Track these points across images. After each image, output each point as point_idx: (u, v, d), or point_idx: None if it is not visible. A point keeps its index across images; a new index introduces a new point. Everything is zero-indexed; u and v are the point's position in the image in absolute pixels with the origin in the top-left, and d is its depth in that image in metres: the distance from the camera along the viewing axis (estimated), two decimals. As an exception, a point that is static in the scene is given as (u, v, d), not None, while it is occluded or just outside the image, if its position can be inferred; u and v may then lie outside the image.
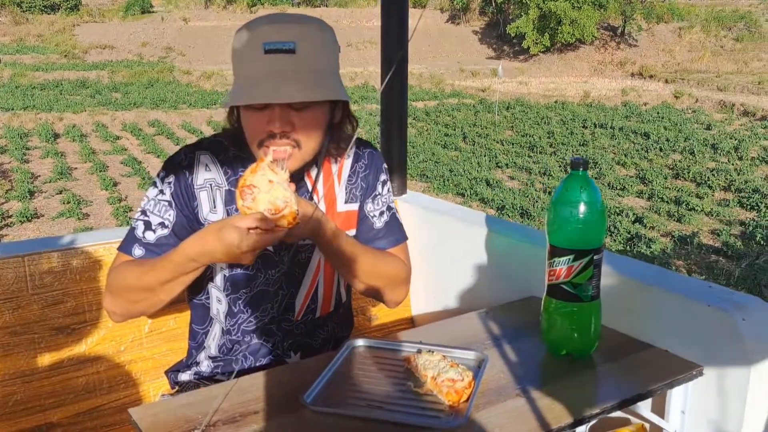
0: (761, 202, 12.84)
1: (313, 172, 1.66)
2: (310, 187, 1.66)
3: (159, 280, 1.51)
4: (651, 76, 29.65)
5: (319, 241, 1.56)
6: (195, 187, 1.60)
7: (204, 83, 28.25)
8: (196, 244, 1.45)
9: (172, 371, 1.80)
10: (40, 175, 15.12)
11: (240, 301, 1.68)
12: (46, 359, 1.80)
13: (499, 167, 15.63)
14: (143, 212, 1.60)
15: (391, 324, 2.29)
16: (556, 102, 23.62)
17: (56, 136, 18.96)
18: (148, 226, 1.59)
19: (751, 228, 11.39)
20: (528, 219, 11.75)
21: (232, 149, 1.64)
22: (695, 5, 38.44)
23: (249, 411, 1.32)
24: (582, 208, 1.43)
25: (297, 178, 1.60)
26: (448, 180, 14.20)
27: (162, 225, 1.59)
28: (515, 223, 2.15)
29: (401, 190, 2.37)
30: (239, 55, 1.49)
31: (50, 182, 14.48)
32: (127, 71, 30.19)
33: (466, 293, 2.12)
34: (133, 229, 1.60)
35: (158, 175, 1.61)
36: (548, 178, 14.66)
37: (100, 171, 15.25)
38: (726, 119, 21.07)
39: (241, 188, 1.37)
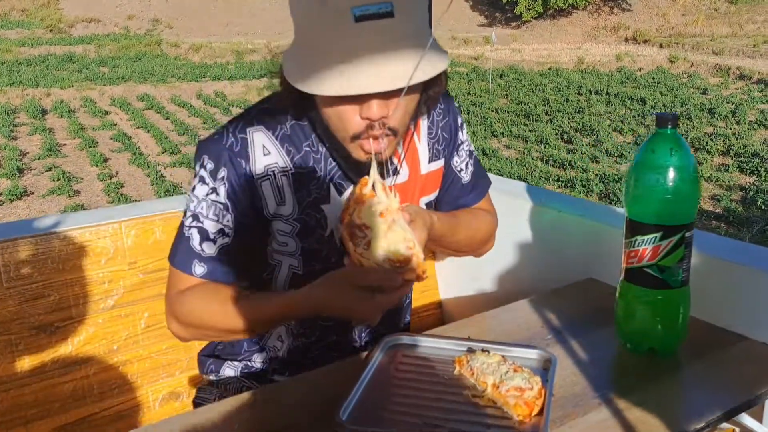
0: (761, 167, 12.67)
1: None
2: (395, 160, 1.38)
3: (245, 329, 1.28)
4: (645, 41, 29.32)
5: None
6: (255, 177, 1.28)
7: (193, 56, 27.77)
8: (301, 304, 1.21)
9: (209, 356, 1.51)
10: (28, 152, 14.82)
11: None
12: (26, 363, 1.54)
13: (494, 136, 15.37)
14: (195, 217, 1.30)
15: (418, 309, 2.03)
16: (550, 69, 23.32)
17: (44, 112, 18.59)
18: (204, 235, 1.30)
19: (751, 193, 11.22)
20: (527, 188, 11.53)
21: (288, 119, 1.31)
22: (689, -32, 37.90)
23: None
24: (672, 174, 1.17)
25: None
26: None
27: (222, 233, 1.30)
28: (562, 194, 1.89)
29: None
30: (316, 21, 1.13)
31: (39, 159, 14.18)
32: (114, 45, 29.64)
33: (503, 276, 1.86)
34: (187, 240, 1.30)
35: (202, 166, 1.29)
36: (545, 146, 14.44)
37: (90, 147, 14.95)
38: (722, 83, 20.84)
39: (349, 226, 1.11)
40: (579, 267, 1.62)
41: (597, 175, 12.47)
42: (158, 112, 18.50)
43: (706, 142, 13.93)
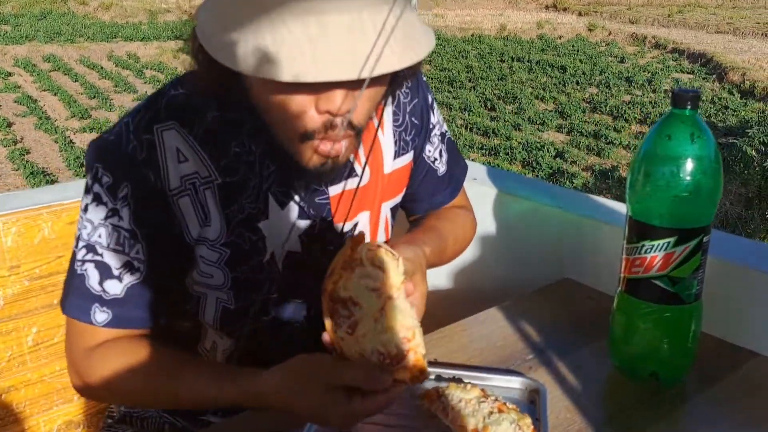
0: (677, 135, 12.97)
1: None
2: (351, 158, 1.06)
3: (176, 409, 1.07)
4: (565, 9, 29.71)
5: None
6: (169, 193, 0.97)
7: (102, 14, 26.49)
8: (257, 397, 0.90)
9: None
10: None
11: (259, 332, 1.09)
12: None
13: (419, 103, 15.28)
14: (90, 248, 0.97)
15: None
16: (472, 35, 23.37)
17: (-63, 73, 17.40)
18: (105, 272, 0.97)
19: (668, 160, 11.52)
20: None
21: (210, 111, 0.98)
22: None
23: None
24: (691, 166, 0.95)
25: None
26: (368, 117, 13.85)
27: (129, 268, 0.97)
28: (530, 178, 1.66)
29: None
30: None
31: (-68, 124, 13.25)
32: (16, 1, 27.98)
33: (467, 276, 1.62)
34: (80, 279, 0.98)
35: (96, 179, 0.96)
36: (469, 114, 14.43)
37: (-9, 111, 14.07)
38: (638, 52, 21.32)
39: (331, 299, 0.81)
40: (553, 266, 1.41)
41: (520, 143, 12.52)
42: (66, 74, 17.57)
43: (625, 110, 14.21)
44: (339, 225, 1.09)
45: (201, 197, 0.97)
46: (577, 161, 11.59)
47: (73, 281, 0.99)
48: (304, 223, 1.05)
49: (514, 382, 1.04)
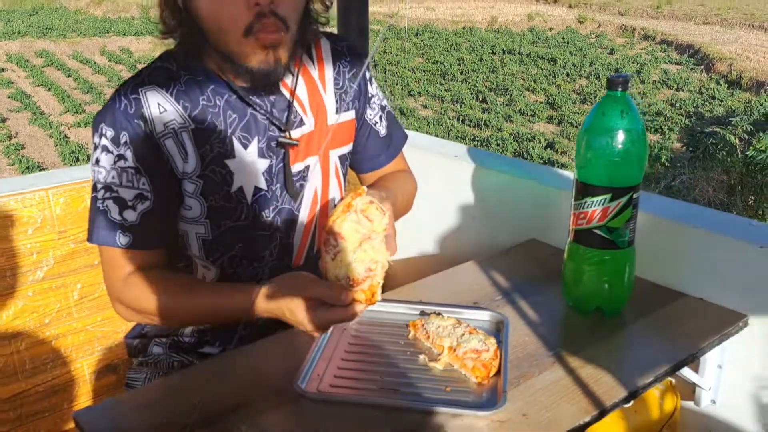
0: (664, 125, 13.16)
1: (289, 80, 1.33)
2: (289, 98, 1.32)
3: (197, 321, 1.33)
4: (555, 1, 29.81)
5: None
6: (156, 135, 1.23)
7: (94, 10, 26.53)
8: (254, 300, 1.18)
9: (136, 337, 1.45)
10: None
11: (235, 259, 1.35)
12: (-50, 340, 1.45)
13: (411, 95, 15.41)
14: (107, 188, 1.23)
15: (357, 273, 2.02)
16: (464, 28, 23.47)
17: (-68, 69, 17.43)
18: (122, 204, 1.23)
19: (656, 150, 11.66)
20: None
21: (183, 75, 1.26)
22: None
23: (228, 407, 1.05)
24: (622, 136, 1.19)
25: (271, 87, 1.29)
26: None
27: (140, 198, 1.24)
28: (504, 156, 1.89)
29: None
30: None
31: (-71, 120, 13.34)
32: (7, -3, 27.94)
33: (447, 239, 1.87)
34: (104, 213, 1.23)
35: (102, 135, 1.23)
36: (461, 106, 14.58)
37: (-15, 106, 14.14)
38: (627, 43, 21.48)
39: (327, 231, 1.07)
40: (523, 229, 1.64)
41: (511, 134, 12.72)
42: (59, 69, 17.68)
43: (614, 102, 14.44)
44: (293, 167, 1.34)
45: (180, 139, 1.24)
46: (568, 152, 11.77)
47: (98, 217, 1.24)
48: (263, 162, 1.30)
49: (484, 315, 1.28)
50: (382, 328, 1.27)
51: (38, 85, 16.18)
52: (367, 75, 1.47)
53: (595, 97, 15.08)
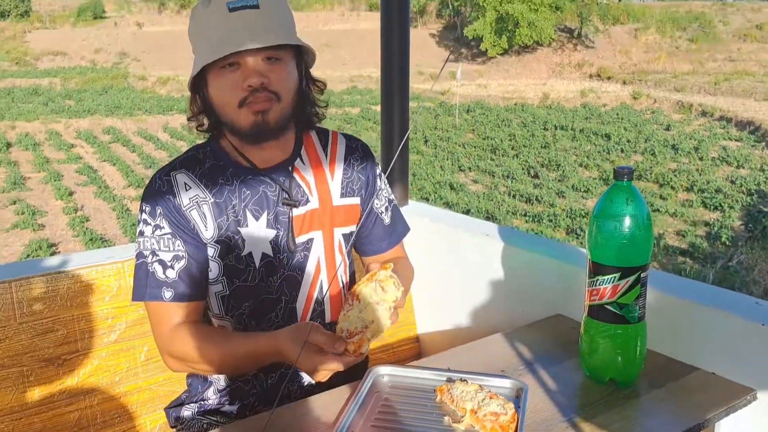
0: (724, 203, 12.99)
1: (300, 167, 1.60)
2: (300, 182, 1.58)
3: (233, 365, 1.51)
4: (609, 78, 30.01)
5: None
6: (183, 208, 1.51)
7: (159, 89, 27.80)
8: (270, 343, 1.42)
9: (173, 407, 1.65)
10: (-8, 186, 14.65)
11: (243, 317, 1.58)
12: (36, 393, 1.64)
13: (461, 170, 15.62)
14: (153, 253, 1.51)
15: (396, 344, 2.16)
16: (515, 104, 23.75)
17: (8, 145, 18.43)
18: (164, 265, 1.50)
19: (716, 228, 11.50)
20: (494, 222, 11.72)
21: (207, 161, 1.56)
22: (650, 6, 39.06)
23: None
24: (628, 222, 1.32)
25: (283, 173, 1.57)
26: (411, 184, 14.16)
27: (176, 258, 1.51)
28: (533, 235, 2.04)
29: (403, 200, 2.25)
30: (203, 20, 1.48)
31: (3, 192, 14.05)
32: (80, 78, 29.57)
33: (479, 312, 2.00)
34: (152, 274, 1.50)
35: (142, 211, 1.53)
36: (512, 181, 14.67)
37: (55, 180, 14.85)
38: (684, 119, 21.38)
39: (350, 292, 1.34)
40: (548, 304, 1.77)
41: (564, 209, 12.73)
42: (124, 145, 18.45)
43: (670, 178, 14.27)
44: (297, 238, 1.57)
45: (202, 211, 1.52)
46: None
47: (147, 277, 1.50)
48: (271, 233, 1.54)
49: (505, 383, 1.40)
50: (412, 392, 1.40)
51: (104, 161, 16.87)
52: (377, 171, 1.71)
53: (651, 173, 14.91)
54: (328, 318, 1.64)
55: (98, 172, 15.57)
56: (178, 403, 1.65)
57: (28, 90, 27.18)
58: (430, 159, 16.51)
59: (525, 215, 12.55)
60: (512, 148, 17.53)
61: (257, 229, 1.53)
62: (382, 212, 1.72)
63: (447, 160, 16.58)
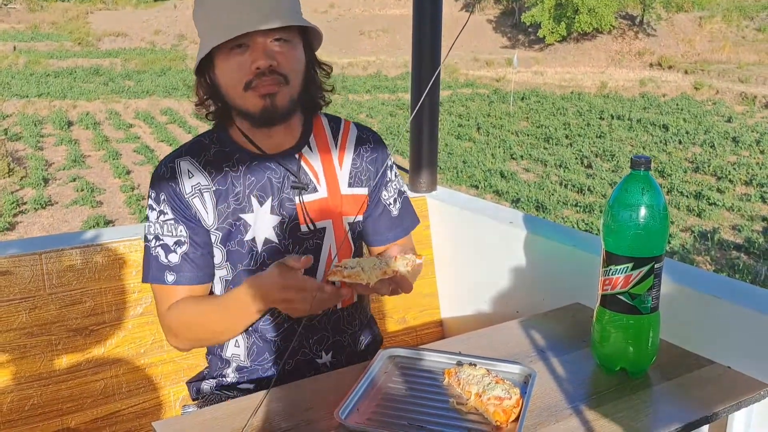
0: (788, 199, 12.57)
1: (308, 154, 1.60)
2: (307, 170, 1.59)
3: (227, 327, 1.53)
4: (670, 67, 29.28)
5: None
6: (185, 196, 1.54)
7: (217, 71, 28.14)
8: (253, 290, 1.43)
9: (194, 381, 1.71)
10: (53, 163, 15.11)
11: None
12: (63, 362, 1.71)
13: (513, 159, 15.46)
14: (156, 238, 1.54)
15: (419, 327, 2.18)
16: (572, 93, 23.37)
17: (70, 123, 18.97)
18: (167, 249, 1.54)
19: (780, 227, 11.16)
20: (544, 212, 11.58)
21: (213, 147, 1.57)
22: (716, -6, 37.87)
23: (279, 428, 1.22)
24: (643, 212, 1.31)
25: (290, 159, 1.57)
26: (461, 171, 14.04)
27: (179, 243, 1.54)
28: (556, 224, 2.03)
29: (431, 186, 2.26)
30: (211, 1, 1.49)
31: (64, 170, 14.47)
32: (140, 59, 30.18)
33: (500, 298, 2.01)
34: (155, 258, 1.54)
35: (149, 197, 1.56)
36: (564, 171, 14.48)
37: (113, 159, 15.22)
38: (747, 111, 20.76)
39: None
40: (569, 292, 1.76)
41: (615, 200, 12.52)
42: (180, 126, 18.80)
43: (729, 171, 13.89)
44: (303, 226, 1.58)
45: (203, 198, 1.54)
46: (676, 222, 11.42)
47: (151, 261, 1.53)
48: (275, 219, 1.55)
49: (514, 368, 1.41)
50: (421, 373, 1.42)
51: (161, 141, 17.20)
52: (389, 162, 1.72)
53: (709, 166, 14.55)
54: (339, 304, 1.65)
55: (155, 152, 15.89)
56: (200, 378, 1.70)
57: (89, 70, 27.86)
58: (481, 146, 16.39)
59: (576, 205, 12.38)
60: (566, 137, 17.29)
61: (261, 215, 1.54)
62: (390, 204, 1.73)
63: (499, 147, 16.45)
